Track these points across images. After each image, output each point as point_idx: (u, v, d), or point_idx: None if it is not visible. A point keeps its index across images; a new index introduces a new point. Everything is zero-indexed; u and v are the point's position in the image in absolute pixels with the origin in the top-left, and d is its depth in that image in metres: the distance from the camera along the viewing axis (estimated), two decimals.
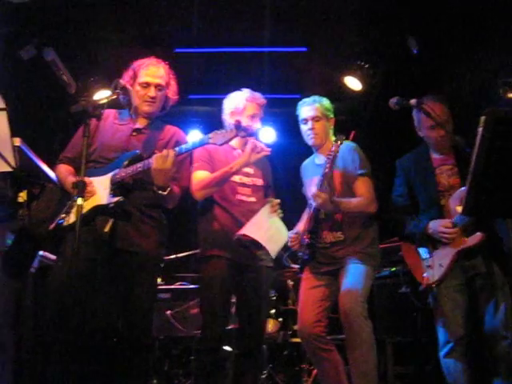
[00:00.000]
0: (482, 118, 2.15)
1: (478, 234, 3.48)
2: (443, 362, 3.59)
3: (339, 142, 3.68)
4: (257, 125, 3.78)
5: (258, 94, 3.87)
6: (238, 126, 3.21)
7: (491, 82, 3.64)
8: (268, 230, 3.54)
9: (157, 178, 3.19)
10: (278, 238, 3.59)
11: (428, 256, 3.65)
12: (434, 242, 3.64)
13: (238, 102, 3.83)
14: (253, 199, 3.73)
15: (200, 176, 3.65)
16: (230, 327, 5.02)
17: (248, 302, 3.67)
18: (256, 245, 3.52)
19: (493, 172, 2.22)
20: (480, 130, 2.16)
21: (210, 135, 3.20)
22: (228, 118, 3.85)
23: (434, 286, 3.58)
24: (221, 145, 3.22)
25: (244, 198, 3.71)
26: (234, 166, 3.54)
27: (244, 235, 3.51)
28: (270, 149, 3.61)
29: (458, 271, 3.58)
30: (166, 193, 3.23)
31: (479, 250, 3.51)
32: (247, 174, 3.77)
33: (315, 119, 3.94)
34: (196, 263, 3.76)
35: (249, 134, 3.36)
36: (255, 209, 3.64)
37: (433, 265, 3.60)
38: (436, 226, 3.58)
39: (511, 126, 2.17)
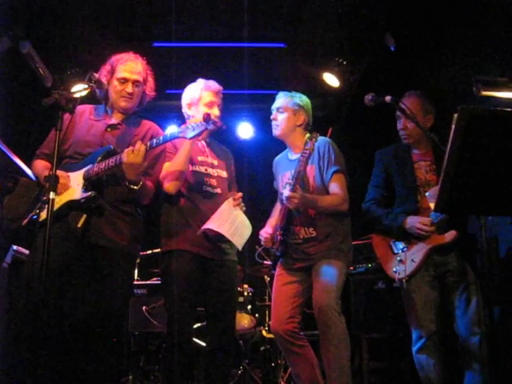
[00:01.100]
0: (455, 116, 2.16)
1: (453, 231, 3.51)
2: (416, 357, 3.63)
3: (314, 140, 3.69)
4: (214, 111, 3.71)
5: (212, 82, 3.84)
6: (207, 119, 3.21)
7: (466, 80, 3.66)
8: (232, 223, 3.52)
9: (128, 173, 3.18)
10: (242, 231, 3.57)
11: (401, 251, 3.67)
12: (408, 238, 3.66)
13: (193, 93, 3.80)
14: (218, 190, 3.70)
15: (167, 167, 3.61)
16: (204, 323, 5.05)
17: (216, 297, 3.61)
18: (221, 238, 3.51)
19: (465, 169, 2.24)
20: (453, 127, 2.17)
21: (180, 129, 3.21)
22: (186, 111, 3.82)
23: (403, 280, 3.61)
24: (191, 138, 3.22)
25: (210, 189, 3.67)
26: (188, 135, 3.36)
27: (209, 229, 3.49)
28: (221, 123, 3.58)
29: (430, 267, 3.61)
30: (137, 187, 3.22)
31: (452, 247, 3.54)
32: (212, 165, 3.75)
33: (279, 110, 3.96)
34: (159, 258, 3.70)
35: (218, 127, 3.36)
36: (220, 201, 3.62)
37: (405, 260, 3.62)
38: (414, 221, 3.60)
39: (484, 124, 2.18)
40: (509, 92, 3.04)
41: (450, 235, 3.52)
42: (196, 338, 5.07)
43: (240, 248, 3.55)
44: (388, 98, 3.49)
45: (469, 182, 2.27)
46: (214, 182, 3.71)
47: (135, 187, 3.22)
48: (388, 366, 5.05)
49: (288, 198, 3.60)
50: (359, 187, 4.00)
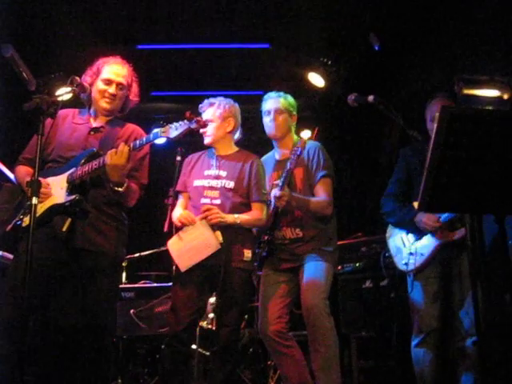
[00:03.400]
0: (437, 115, 2.17)
1: (463, 229, 3.49)
2: (413, 351, 3.63)
3: (306, 140, 3.72)
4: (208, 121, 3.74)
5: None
6: (189, 118, 3.20)
7: (449, 78, 3.68)
8: (188, 242, 3.55)
9: (111, 174, 3.14)
10: (194, 254, 3.53)
11: (412, 244, 3.68)
12: (420, 232, 3.68)
13: None
14: (218, 201, 3.66)
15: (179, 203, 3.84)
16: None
17: (218, 303, 3.69)
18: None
19: (447, 168, 2.24)
20: (434, 126, 2.18)
21: (163, 129, 3.19)
22: None
23: (411, 273, 3.63)
24: (173, 138, 3.19)
25: (207, 201, 3.66)
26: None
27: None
28: (204, 121, 3.55)
29: (439, 264, 3.61)
30: (122, 189, 3.20)
31: (462, 245, 3.51)
32: (217, 177, 3.74)
33: (278, 112, 3.98)
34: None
35: (201, 125, 3.35)
36: (220, 211, 3.61)
37: (415, 253, 3.63)
38: (422, 216, 3.61)
39: (465, 123, 2.19)
40: (490, 90, 3.04)
41: (460, 233, 3.51)
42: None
43: (182, 270, 3.55)
44: (371, 98, 3.50)
45: (451, 181, 2.27)
46: (215, 193, 3.70)
47: (120, 189, 3.19)
48: (377, 364, 5.05)
49: (277, 197, 3.63)
50: (344, 187, 4.01)
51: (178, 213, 3.75)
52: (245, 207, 3.71)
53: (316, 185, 3.87)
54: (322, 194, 3.84)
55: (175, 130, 3.16)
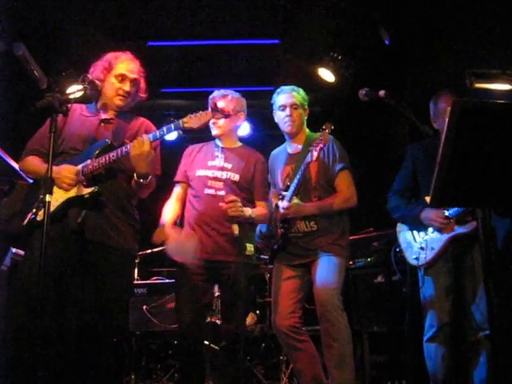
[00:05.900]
0: (448, 109, 2.16)
1: (473, 222, 3.47)
2: (425, 345, 3.62)
3: (327, 131, 3.73)
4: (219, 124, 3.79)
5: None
6: (214, 108, 3.18)
7: (460, 73, 3.67)
8: (176, 246, 3.55)
9: (138, 165, 3.13)
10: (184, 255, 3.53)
11: (423, 238, 3.68)
12: (424, 227, 3.67)
13: None
14: (222, 193, 3.68)
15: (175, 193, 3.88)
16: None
17: (224, 298, 3.73)
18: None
19: (459, 162, 2.24)
20: (446, 120, 2.17)
21: (185, 119, 3.16)
22: None
23: (423, 268, 3.62)
24: (197, 128, 3.16)
25: (212, 192, 3.69)
26: None
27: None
28: (228, 111, 3.55)
29: (449, 258, 3.59)
30: (148, 181, 3.19)
31: (473, 238, 3.50)
32: (222, 169, 3.75)
33: (293, 106, 3.98)
34: None
35: (225, 115, 3.33)
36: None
37: (425, 247, 3.62)
38: (429, 213, 3.61)
39: (477, 117, 2.18)
40: (502, 84, 3.03)
41: (470, 226, 3.49)
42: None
43: (187, 262, 3.55)
44: (382, 93, 3.49)
45: (463, 175, 2.27)
46: (219, 184, 3.71)
47: (145, 181, 3.18)
48: (389, 359, 5.05)
49: (285, 209, 3.71)
50: (355, 182, 4.00)
51: (169, 205, 3.79)
52: (246, 202, 3.73)
53: (335, 179, 3.89)
54: (342, 188, 3.87)
55: (198, 120, 3.14)
